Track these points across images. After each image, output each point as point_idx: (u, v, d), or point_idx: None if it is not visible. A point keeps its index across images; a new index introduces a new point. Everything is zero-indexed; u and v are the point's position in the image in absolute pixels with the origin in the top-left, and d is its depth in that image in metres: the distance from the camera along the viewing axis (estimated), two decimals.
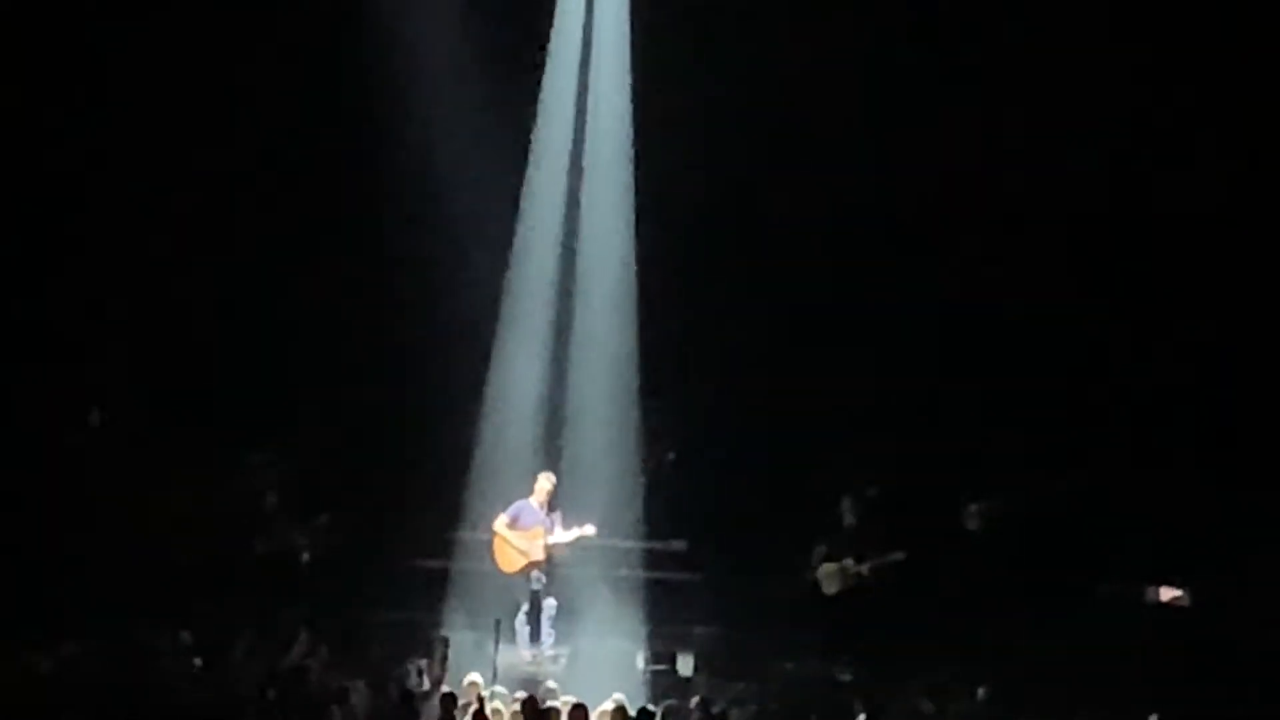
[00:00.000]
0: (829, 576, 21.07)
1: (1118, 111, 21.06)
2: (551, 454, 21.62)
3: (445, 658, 19.58)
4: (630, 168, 22.03)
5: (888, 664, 19.46)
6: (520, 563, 20.50)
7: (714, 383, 21.67)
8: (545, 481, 20.71)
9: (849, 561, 21.01)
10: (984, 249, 21.46)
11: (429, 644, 19.95)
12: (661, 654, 20.42)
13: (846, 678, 19.38)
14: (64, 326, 21.38)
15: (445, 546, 21.39)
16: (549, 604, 20.50)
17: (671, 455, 21.98)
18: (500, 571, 20.62)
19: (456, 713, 17.91)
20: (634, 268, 21.96)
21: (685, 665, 20.28)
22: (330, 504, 21.33)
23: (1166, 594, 20.38)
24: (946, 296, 21.50)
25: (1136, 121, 20.99)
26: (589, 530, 20.48)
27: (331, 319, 21.86)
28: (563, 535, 20.46)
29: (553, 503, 20.63)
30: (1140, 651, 19.00)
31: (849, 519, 21.24)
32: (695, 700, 18.78)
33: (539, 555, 20.47)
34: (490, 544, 20.67)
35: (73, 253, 21.49)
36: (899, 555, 20.77)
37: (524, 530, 20.51)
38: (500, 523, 20.57)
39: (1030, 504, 20.92)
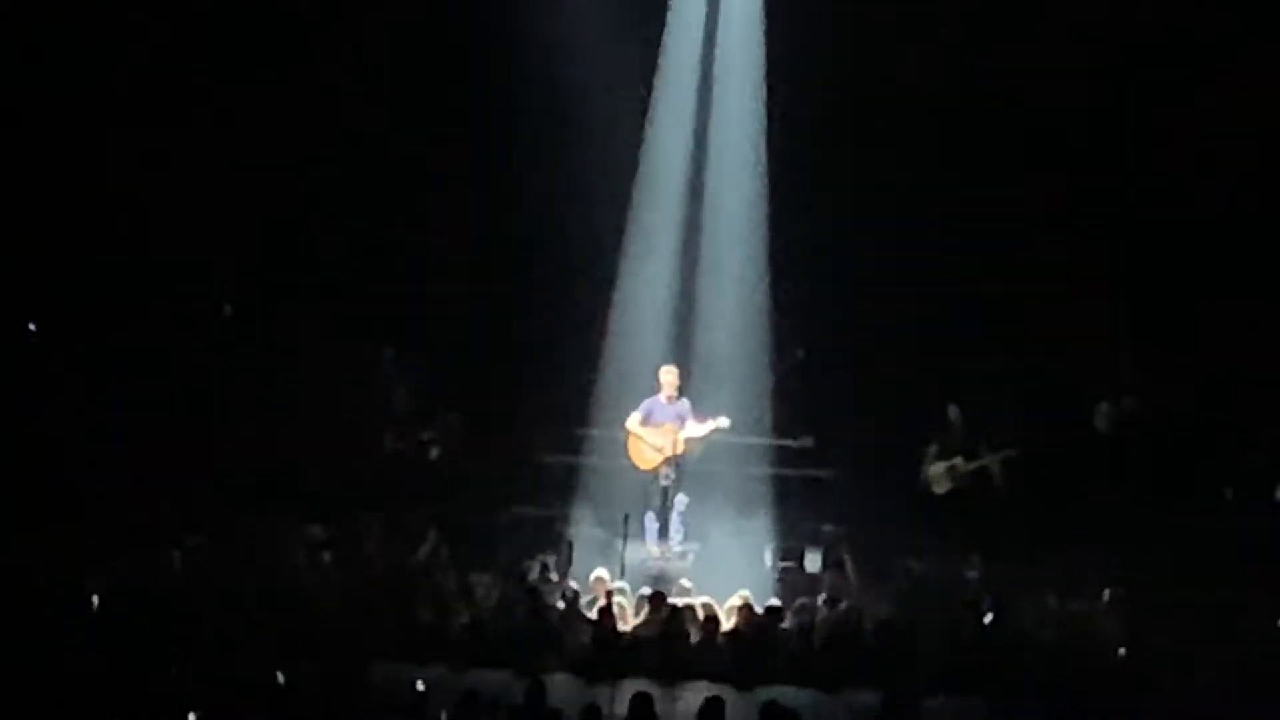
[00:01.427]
0: (938, 476, 20.99)
1: None
2: (681, 351, 21.56)
3: (570, 560, 19.72)
4: (761, 70, 21.83)
5: (1016, 562, 19.35)
6: (656, 459, 20.47)
7: (844, 280, 21.48)
8: (667, 374, 20.57)
9: (959, 460, 20.91)
10: (1117, 158, 21.23)
11: (556, 541, 20.12)
12: (790, 551, 20.41)
13: (974, 574, 19.29)
14: (190, 220, 21.55)
15: (574, 443, 21.46)
16: (679, 500, 20.50)
17: (801, 352, 21.86)
18: (636, 469, 20.63)
19: (582, 607, 18.11)
20: (765, 164, 21.80)
21: (813, 562, 20.22)
22: (459, 401, 21.43)
23: None
24: (1077, 200, 21.25)
25: None
26: (723, 422, 20.35)
27: (462, 217, 21.92)
28: (697, 429, 20.39)
29: (681, 391, 20.57)
30: (1270, 553, 18.78)
31: (955, 422, 21.08)
32: (822, 597, 18.83)
33: (674, 451, 20.42)
34: (624, 443, 20.66)
35: (206, 149, 21.65)
36: (1011, 452, 20.64)
37: (656, 426, 20.48)
38: (633, 421, 20.52)
39: (1160, 404, 20.72)
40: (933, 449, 21.01)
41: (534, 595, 18.06)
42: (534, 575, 18.95)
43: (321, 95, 21.80)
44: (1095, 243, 21.19)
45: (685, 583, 19.13)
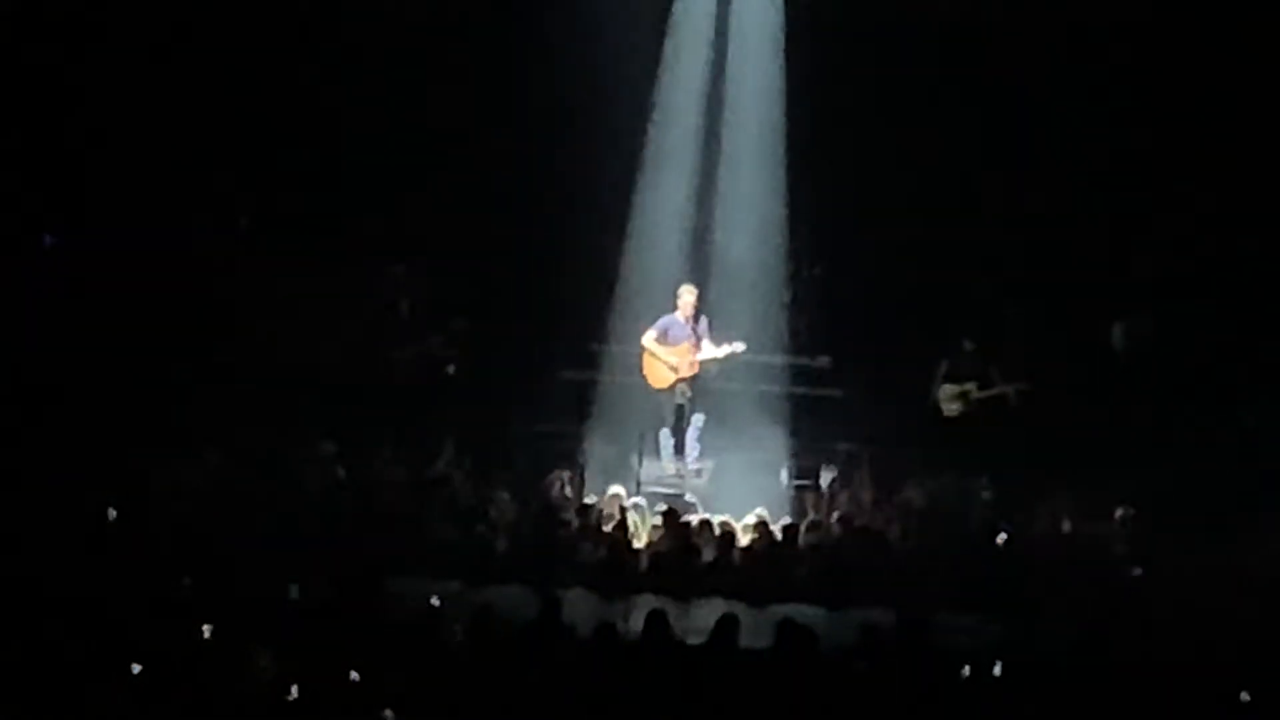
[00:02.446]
0: (949, 399, 20.94)
1: None
2: (698, 267, 21.51)
3: (584, 476, 19.75)
4: None
5: (1030, 483, 19.36)
6: (670, 378, 20.41)
7: (862, 198, 21.39)
8: (687, 294, 20.45)
9: (971, 387, 20.83)
10: (1138, 79, 21.12)
11: (572, 456, 20.13)
12: (805, 469, 20.40)
13: (988, 495, 19.30)
14: (204, 134, 21.42)
15: (591, 359, 21.45)
16: (696, 418, 20.44)
17: (818, 270, 21.82)
18: (650, 387, 20.62)
19: (597, 523, 18.15)
20: (784, 79, 21.68)
21: (828, 481, 20.19)
22: (470, 313, 21.38)
23: None
24: (1094, 122, 21.12)
25: None
26: (739, 347, 20.26)
27: (478, 130, 21.79)
28: (713, 351, 20.31)
29: (699, 312, 20.52)
30: None
31: (969, 354, 21.01)
32: (837, 516, 18.86)
33: (688, 371, 20.39)
34: (639, 360, 20.64)
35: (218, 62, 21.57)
36: (1023, 385, 20.57)
37: (673, 346, 20.41)
38: (649, 338, 20.44)
39: (1177, 325, 20.66)
40: (942, 369, 20.95)
41: (549, 511, 18.12)
42: (550, 491, 18.99)
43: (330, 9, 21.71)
44: (1119, 155, 21.13)
45: (689, 498, 19.22)
